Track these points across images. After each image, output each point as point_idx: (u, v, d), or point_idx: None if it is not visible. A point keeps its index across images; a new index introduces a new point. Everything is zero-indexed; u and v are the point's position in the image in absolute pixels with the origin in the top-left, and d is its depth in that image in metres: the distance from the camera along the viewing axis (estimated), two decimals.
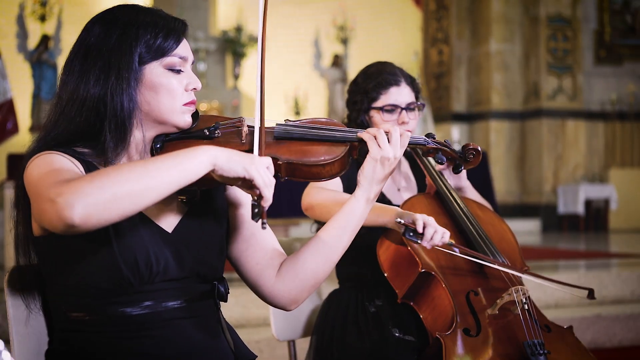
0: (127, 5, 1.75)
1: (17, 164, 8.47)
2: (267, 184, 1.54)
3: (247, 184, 1.55)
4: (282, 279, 1.82)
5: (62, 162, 1.60)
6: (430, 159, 2.64)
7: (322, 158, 1.73)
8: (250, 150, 1.66)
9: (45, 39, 11.13)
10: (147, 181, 1.45)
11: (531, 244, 9.35)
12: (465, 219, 2.49)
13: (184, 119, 1.73)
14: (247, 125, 1.77)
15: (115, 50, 1.66)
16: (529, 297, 2.32)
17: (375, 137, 1.77)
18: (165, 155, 1.52)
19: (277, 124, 1.79)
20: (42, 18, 11.15)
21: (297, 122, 1.80)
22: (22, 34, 11.50)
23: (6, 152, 9.36)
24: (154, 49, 1.68)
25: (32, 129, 10.80)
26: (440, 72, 12.62)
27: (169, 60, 1.70)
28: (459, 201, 2.54)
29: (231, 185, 1.68)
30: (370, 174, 1.78)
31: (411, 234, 2.23)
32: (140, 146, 1.73)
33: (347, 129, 1.80)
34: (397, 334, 2.45)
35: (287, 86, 13.19)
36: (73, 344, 1.66)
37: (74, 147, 1.68)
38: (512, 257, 2.52)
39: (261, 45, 1.73)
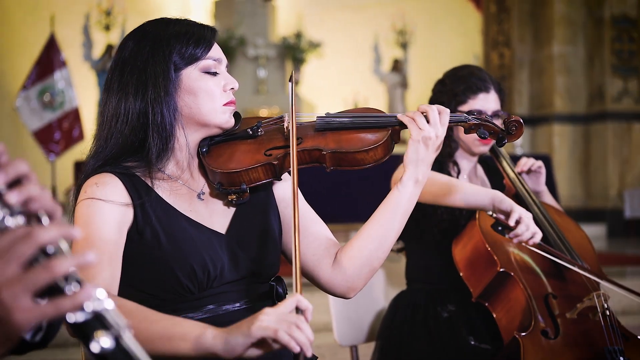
0: (157, 19, 1.81)
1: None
2: (296, 335, 1.37)
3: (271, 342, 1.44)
4: (339, 267, 1.82)
5: (100, 230, 1.62)
6: (506, 165, 2.62)
7: (365, 144, 1.75)
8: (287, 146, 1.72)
9: (109, 48, 11.35)
10: (151, 340, 1.47)
11: (597, 249, 9.13)
12: (545, 222, 2.46)
13: (226, 119, 1.77)
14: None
15: (150, 62, 1.71)
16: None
17: (414, 120, 1.77)
18: (176, 325, 1.48)
19: (317, 117, 1.83)
20: (107, 28, 11.38)
21: (337, 113, 1.83)
22: (88, 44, 11.75)
23: (73, 159, 9.57)
24: (187, 56, 1.73)
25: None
26: (501, 75, 12.47)
27: (203, 63, 1.74)
28: (538, 204, 2.51)
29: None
30: (414, 156, 1.78)
31: (500, 227, 2.21)
32: (185, 150, 1.77)
33: (387, 114, 1.82)
34: (472, 342, 2.42)
35: (347, 92, 13.20)
36: None
37: (123, 162, 1.72)
38: (590, 263, 2.48)
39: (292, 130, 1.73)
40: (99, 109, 1.80)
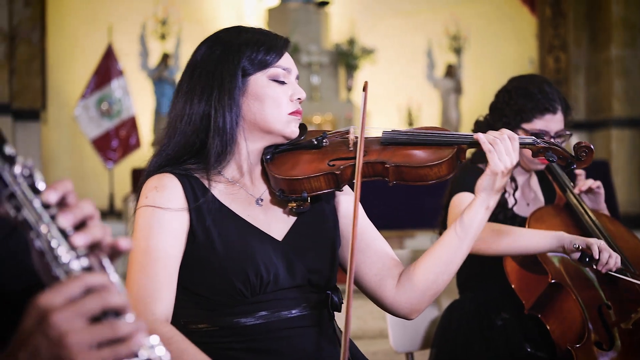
0: (232, 26, 1.83)
1: (140, 176, 8.75)
2: None
3: None
4: (402, 288, 1.81)
5: (161, 243, 1.66)
6: (560, 180, 2.59)
7: (429, 160, 1.74)
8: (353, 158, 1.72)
9: (165, 57, 11.51)
10: None
11: None
12: (597, 231, 2.41)
13: (290, 128, 1.78)
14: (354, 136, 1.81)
15: (218, 65, 1.74)
16: None
17: (495, 149, 1.75)
18: None
19: (383, 131, 1.83)
20: (163, 37, 11.54)
21: (403, 130, 1.83)
22: (144, 53, 11.94)
23: (130, 166, 9.72)
24: (257, 62, 1.74)
25: (154, 143, 11.17)
26: (557, 79, 12.29)
27: (272, 71, 1.76)
28: (590, 213, 2.47)
29: None
30: (490, 185, 1.77)
31: (587, 259, 2.17)
32: (247, 156, 1.78)
33: (454, 133, 1.81)
34: (528, 349, 2.39)
35: (400, 98, 13.15)
36: None
37: (183, 163, 1.75)
38: None
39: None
40: (169, 111, 1.84)
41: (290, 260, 1.72)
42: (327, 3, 12.24)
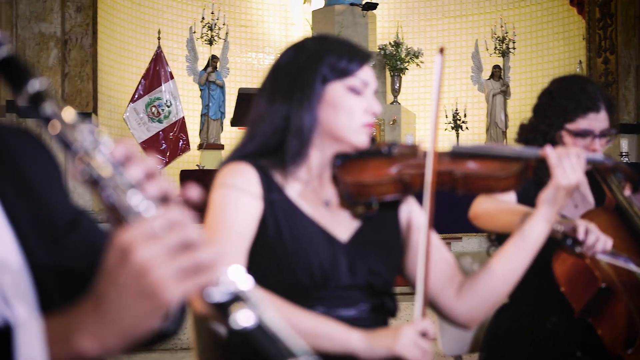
0: (319, 34, 1.88)
1: (189, 178, 8.91)
2: (422, 358, 1.62)
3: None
4: (462, 298, 1.84)
5: (237, 209, 1.71)
6: (611, 184, 2.56)
7: (498, 172, 1.77)
8: (421, 173, 1.74)
9: (212, 60, 11.63)
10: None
11: None
12: None
13: (361, 139, 1.80)
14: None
15: (301, 70, 1.78)
16: None
17: (562, 165, 1.78)
18: (323, 323, 1.65)
19: (453, 146, 1.87)
20: (210, 42, 11.66)
21: (471, 144, 1.86)
22: (192, 57, 12.08)
23: (179, 168, 9.84)
24: (338, 70, 1.78)
25: (201, 146, 11.30)
26: (606, 81, 12.12)
27: (350, 81, 1.79)
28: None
29: None
30: (552, 198, 1.80)
31: (570, 241, 2.10)
32: (319, 161, 1.82)
33: (523, 149, 1.85)
34: (579, 355, 2.38)
35: (446, 100, 13.10)
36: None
37: (259, 160, 1.79)
38: None
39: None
40: (252, 110, 1.88)
41: (352, 261, 1.76)
42: (374, 6, 12.23)
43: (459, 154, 1.83)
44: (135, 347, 0.91)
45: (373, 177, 1.78)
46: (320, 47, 1.81)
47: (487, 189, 1.79)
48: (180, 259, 0.85)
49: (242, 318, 0.89)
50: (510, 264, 1.81)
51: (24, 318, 0.95)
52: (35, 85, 0.94)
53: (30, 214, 1.10)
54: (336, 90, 1.78)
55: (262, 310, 0.90)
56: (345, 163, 1.82)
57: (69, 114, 0.94)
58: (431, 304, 1.88)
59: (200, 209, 0.98)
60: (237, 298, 0.90)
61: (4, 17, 9.00)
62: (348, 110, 1.78)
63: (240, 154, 1.81)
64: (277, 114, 1.77)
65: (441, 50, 1.83)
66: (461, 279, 1.87)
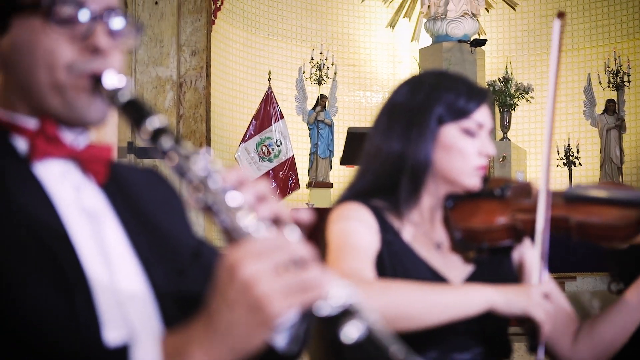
0: (434, 70, 1.88)
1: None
2: (547, 319, 1.59)
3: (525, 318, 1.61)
4: (579, 347, 1.79)
5: (360, 235, 1.70)
6: None
7: (618, 220, 1.67)
8: (533, 212, 1.69)
9: (321, 99, 11.79)
10: (425, 309, 1.56)
11: None
12: None
13: (472, 182, 1.77)
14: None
15: (418, 109, 1.76)
16: None
17: None
18: (444, 288, 1.64)
19: (568, 188, 1.79)
20: (319, 81, 11.85)
21: (586, 185, 1.79)
22: (301, 97, 12.31)
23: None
24: (454, 110, 1.75)
25: (310, 184, 11.43)
26: None
27: (465, 123, 1.76)
28: None
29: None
30: None
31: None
32: (431, 203, 1.81)
33: None
34: None
35: (558, 135, 12.82)
36: None
37: (370, 200, 1.78)
38: None
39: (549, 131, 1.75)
40: (365, 146, 1.87)
41: None
42: (482, 42, 12.15)
43: (574, 198, 1.74)
44: None
45: (485, 223, 1.74)
46: (438, 85, 1.78)
47: (606, 238, 1.70)
48: (287, 276, 0.88)
49: (353, 330, 0.91)
50: (629, 315, 1.74)
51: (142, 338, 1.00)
52: (154, 122, 1.02)
53: (156, 246, 1.16)
54: (451, 132, 1.75)
55: (372, 321, 0.92)
56: (456, 205, 1.79)
57: (184, 146, 1.00)
58: (547, 352, 1.81)
59: (311, 233, 1.01)
60: (347, 312, 0.92)
61: (124, 63, 9.44)
62: (461, 153, 1.75)
63: (353, 191, 1.81)
64: (392, 151, 1.76)
65: (560, 15, 1.71)
66: (576, 326, 1.81)
